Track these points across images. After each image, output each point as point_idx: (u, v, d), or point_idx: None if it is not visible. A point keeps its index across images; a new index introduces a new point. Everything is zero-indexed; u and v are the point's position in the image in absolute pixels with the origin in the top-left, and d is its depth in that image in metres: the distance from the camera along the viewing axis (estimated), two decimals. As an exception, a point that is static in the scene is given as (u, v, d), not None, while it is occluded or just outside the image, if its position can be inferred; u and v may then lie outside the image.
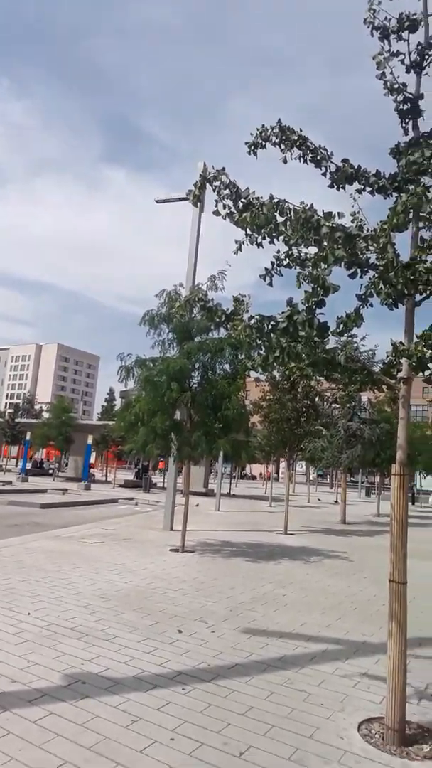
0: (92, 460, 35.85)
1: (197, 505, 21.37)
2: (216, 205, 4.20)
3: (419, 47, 3.89)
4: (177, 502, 13.94)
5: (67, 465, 40.80)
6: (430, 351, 3.68)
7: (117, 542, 10.94)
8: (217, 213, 4.21)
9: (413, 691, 4.48)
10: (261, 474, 62.15)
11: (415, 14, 3.87)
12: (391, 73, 3.90)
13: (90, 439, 30.89)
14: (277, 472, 49.99)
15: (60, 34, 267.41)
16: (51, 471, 38.15)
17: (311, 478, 45.03)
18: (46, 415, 41.83)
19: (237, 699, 4.14)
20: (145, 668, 4.56)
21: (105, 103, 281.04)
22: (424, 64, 3.90)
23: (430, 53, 3.87)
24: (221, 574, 8.72)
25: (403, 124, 3.95)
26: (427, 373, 3.97)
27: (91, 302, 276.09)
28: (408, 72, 3.94)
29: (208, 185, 4.23)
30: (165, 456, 13.60)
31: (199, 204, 4.65)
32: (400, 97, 3.90)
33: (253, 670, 4.74)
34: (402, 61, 3.94)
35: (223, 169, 4.14)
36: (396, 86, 3.89)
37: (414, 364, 3.72)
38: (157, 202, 16.72)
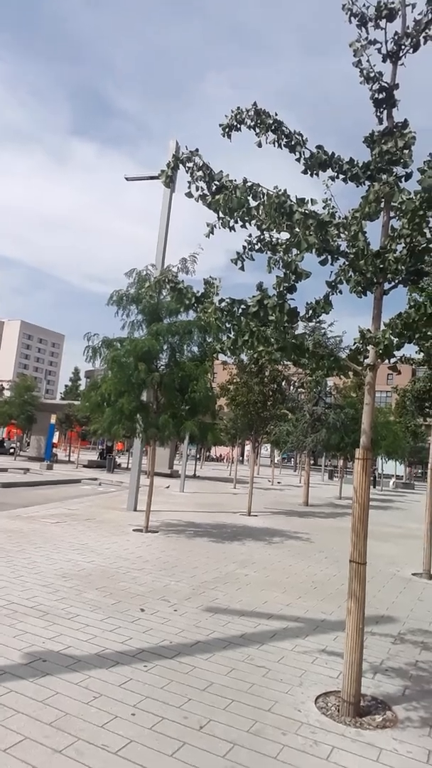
0: (55, 439, 35.41)
1: (168, 487, 21.44)
2: (189, 187, 4.15)
3: (396, 37, 3.90)
4: (141, 482, 13.96)
5: (29, 444, 40.20)
6: (396, 339, 3.76)
7: (80, 522, 10.91)
8: (189, 195, 4.16)
9: (368, 666, 4.65)
10: (222, 456, 62.65)
11: (392, 3, 3.87)
12: (368, 61, 3.91)
13: (53, 419, 30.50)
14: (242, 455, 50.49)
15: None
16: (12, 450, 37.58)
17: (276, 461, 45.64)
18: (7, 393, 40.95)
19: (198, 675, 4.23)
20: (107, 646, 4.60)
21: (75, 73, 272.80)
22: (401, 54, 3.91)
23: (406, 43, 3.88)
24: (184, 554, 8.81)
25: (378, 113, 3.97)
26: (392, 360, 4.06)
27: (57, 279, 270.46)
28: (384, 61, 3.95)
29: (180, 166, 4.18)
30: (131, 437, 13.55)
31: (171, 184, 4.59)
32: (375, 86, 3.91)
33: (214, 648, 4.83)
34: (379, 50, 3.94)
35: (197, 150, 4.08)
36: (372, 75, 3.90)
37: (380, 351, 3.80)
38: (127, 179, 16.41)
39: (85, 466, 31.64)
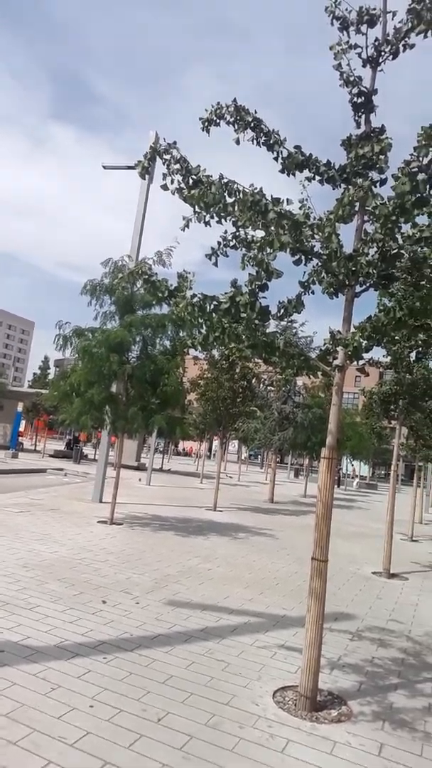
0: (22, 428, 34.85)
1: (140, 480, 21.34)
2: (164, 179, 4.14)
3: (376, 43, 3.94)
4: (108, 474, 13.87)
5: (-6, 432, 39.54)
6: (365, 342, 3.82)
7: (44, 512, 10.79)
8: (165, 188, 4.14)
9: (326, 661, 4.74)
10: (188, 450, 62.70)
11: (374, 9, 3.91)
12: (348, 64, 3.95)
13: (20, 407, 29.99)
14: (210, 450, 50.59)
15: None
16: (-23, 438, 36.85)
17: (243, 458, 45.87)
18: (-26, 379, 40.16)
19: (158, 668, 4.24)
20: (67, 637, 4.57)
21: (56, 56, 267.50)
22: (380, 60, 3.96)
23: (386, 50, 3.93)
24: (148, 547, 8.80)
25: (356, 117, 4.01)
26: (360, 362, 4.13)
27: (29, 266, 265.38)
28: (364, 66, 4.00)
29: (158, 158, 4.15)
30: (99, 428, 13.43)
31: (147, 176, 4.56)
32: (354, 90, 3.96)
33: (175, 641, 4.85)
34: (359, 55, 3.98)
35: (174, 142, 4.07)
36: (351, 78, 3.94)
37: (349, 353, 3.86)
38: (104, 167, 16.22)
39: (51, 456, 31.21)
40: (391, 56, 3.95)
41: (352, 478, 45.32)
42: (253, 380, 16.65)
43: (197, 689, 3.98)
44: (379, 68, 3.99)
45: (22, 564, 6.66)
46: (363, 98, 3.97)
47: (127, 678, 4.00)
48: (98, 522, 10.43)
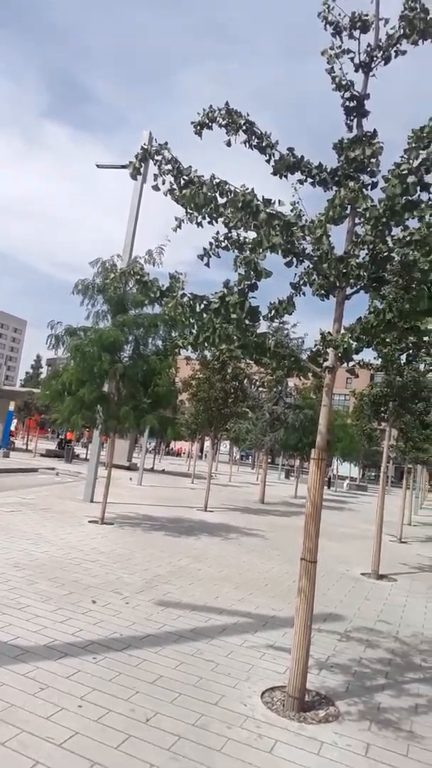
0: (13, 427, 34.69)
1: (131, 479, 21.33)
2: (155, 180, 4.14)
3: (369, 48, 3.97)
4: (99, 474, 13.84)
5: (-15, 431, 39.31)
6: (355, 343, 3.85)
7: (35, 512, 10.75)
8: (156, 188, 4.15)
9: (314, 662, 4.76)
10: (178, 451, 62.72)
11: (367, 15, 3.94)
12: (341, 69, 3.97)
13: (12, 406, 29.86)
14: (201, 450, 50.59)
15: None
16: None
17: (234, 458, 45.89)
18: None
19: (147, 668, 4.25)
20: (56, 637, 4.57)
21: (52, 55, 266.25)
22: (372, 65, 3.99)
23: (378, 55, 3.96)
24: (139, 546, 8.79)
25: (348, 121, 4.04)
26: (351, 363, 4.15)
27: (22, 265, 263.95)
28: (357, 71, 4.02)
29: (149, 158, 4.16)
30: (90, 427, 13.39)
31: (140, 176, 4.56)
32: (347, 94, 3.98)
33: (164, 641, 4.86)
34: (352, 59, 4.01)
35: (166, 143, 4.07)
36: (344, 83, 3.96)
37: (340, 354, 3.88)
38: (98, 167, 16.19)
39: (42, 455, 31.08)
40: (383, 62, 3.99)
41: (339, 478, 45.41)
42: (245, 381, 16.67)
43: (186, 689, 3.99)
44: (371, 73, 4.02)
45: (12, 564, 6.64)
46: (355, 102, 4.00)
47: (116, 678, 4.00)
48: (89, 522, 10.41)
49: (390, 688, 4.57)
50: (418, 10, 3.74)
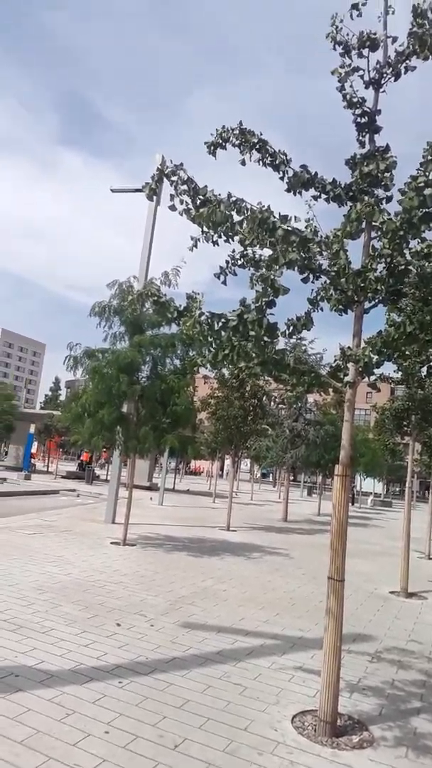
0: (34, 449, 34.97)
1: (151, 499, 21.31)
2: (172, 200, 4.19)
3: (378, 65, 4.00)
4: (120, 495, 13.83)
5: (7, 454, 39.61)
6: (376, 357, 3.81)
7: (56, 534, 10.76)
8: (173, 208, 4.19)
9: (345, 684, 4.64)
10: (197, 470, 62.61)
11: (374, 34, 3.98)
12: (351, 86, 4.00)
13: (32, 428, 30.13)
14: (222, 469, 50.37)
15: (16, 3, 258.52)
16: (-10, 460, 36.94)
17: (255, 476, 45.58)
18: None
19: (174, 692, 4.18)
20: (81, 661, 4.53)
21: (64, 82, 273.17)
22: (383, 82, 4.02)
23: (388, 72, 3.99)
24: (162, 568, 8.73)
25: (361, 137, 4.06)
26: (372, 378, 4.11)
27: (41, 288, 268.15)
28: (367, 88, 4.05)
29: (165, 179, 4.21)
30: (110, 449, 13.44)
31: (155, 197, 4.62)
32: (358, 111, 4.01)
33: (191, 664, 4.78)
34: (362, 77, 4.05)
35: (181, 164, 4.12)
36: (355, 100, 3.99)
37: (360, 368, 3.85)
38: (112, 191, 16.46)
39: (63, 477, 31.24)
40: (393, 78, 4.01)
41: (363, 494, 44.73)
42: (264, 398, 16.61)
43: (214, 714, 3.91)
44: (381, 89, 4.04)
45: (36, 586, 6.63)
46: (367, 119, 4.02)
47: (142, 703, 3.94)
48: (111, 543, 10.38)
49: (426, 711, 4.42)
50: (427, 26, 3.77)
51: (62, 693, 3.92)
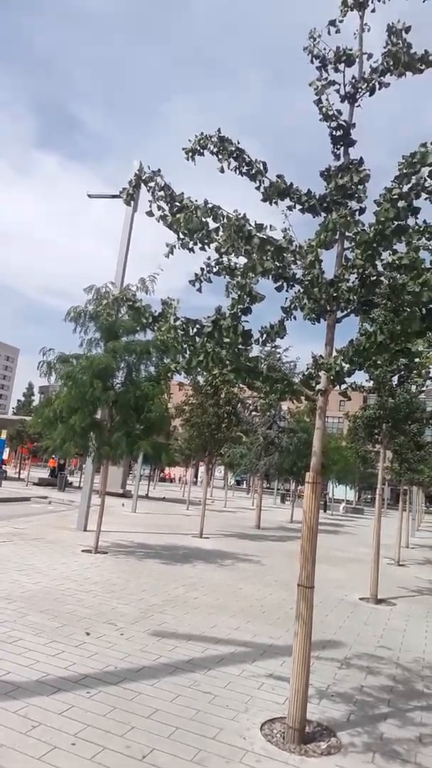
0: (5, 456, 34.37)
1: (123, 505, 21.13)
2: (150, 206, 4.20)
3: (354, 80, 4.09)
4: (93, 502, 13.68)
5: (-23, 460, 38.88)
6: (347, 366, 3.86)
7: (27, 542, 10.58)
8: (150, 214, 4.20)
9: (315, 691, 4.65)
10: (167, 476, 62.33)
11: (350, 50, 4.07)
12: (327, 99, 4.07)
13: (4, 434, 29.64)
14: (196, 476, 50.22)
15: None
16: (-41, 466, 36.16)
17: (229, 484, 45.57)
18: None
19: (143, 702, 4.13)
20: (49, 672, 4.45)
21: (40, 86, 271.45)
22: (358, 96, 4.11)
23: (363, 87, 4.08)
24: (134, 575, 8.65)
25: (336, 150, 4.12)
26: (343, 386, 4.16)
27: (15, 293, 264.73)
28: (342, 101, 4.13)
29: (142, 185, 4.22)
30: (83, 455, 13.29)
31: (132, 203, 4.62)
32: (333, 124, 4.08)
33: (160, 673, 4.74)
34: (337, 91, 4.13)
35: (159, 170, 4.14)
36: (331, 113, 4.06)
37: (332, 377, 3.89)
38: (89, 196, 16.40)
39: (35, 484, 30.75)
40: (368, 93, 4.11)
41: (335, 501, 45.09)
42: (238, 405, 16.65)
43: (183, 723, 3.88)
44: (356, 104, 4.13)
45: (3, 596, 6.50)
46: (342, 132, 4.09)
47: (110, 713, 3.89)
48: (83, 551, 10.25)
49: (393, 717, 4.46)
50: (401, 45, 3.87)
51: (28, 705, 3.85)
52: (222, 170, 4.16)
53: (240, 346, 3.94)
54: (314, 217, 4.09)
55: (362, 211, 3.90)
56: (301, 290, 4.06)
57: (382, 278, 3.77)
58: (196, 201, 4.03)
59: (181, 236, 4.10)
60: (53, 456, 30.10)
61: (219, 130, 4.11)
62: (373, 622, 7.66)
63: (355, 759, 3.67)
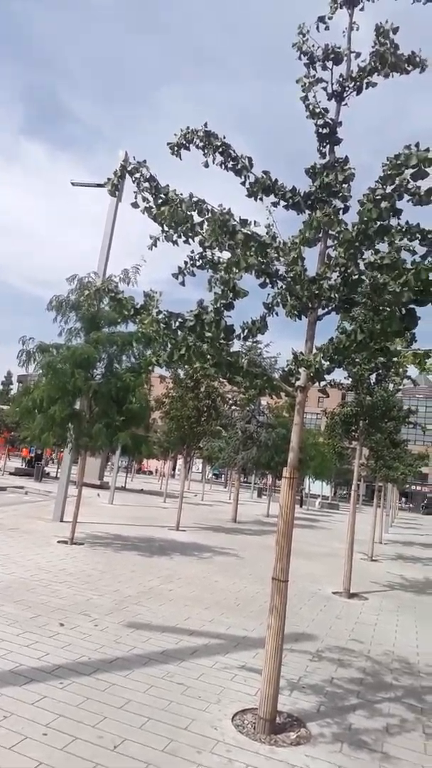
0: (-19, 445, 33.95)
1: (98, 495, 21.05)
2: (135, 197, 4.17)
3: (341, 78, 4.11)
4: (70, 493, 13.61)
5: None
6: (327, 363, 3.90)
7: (2, 531, 10.49)
8: (135, 205, 4.18)
9: (286, 683, 4.72)
10: (147, 468, 62.20)
11: (339, 48, 4.08)
12: (314, 97, 4.09)
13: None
14: (174, 469, 50.23)
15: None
16: None
17: (207, 477, 45.67)
18: None
19: (115, 693, 4.15)
20: (22, 662, 4.44)
21: (30, 72, 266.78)
22: (345, 95, 4.13)
23: (350, 86, 4.10)
24: (110, 567, 8.64)
25: (321, 147, 4.14)
26: (322, 383, 4.20)
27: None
28: (330, 100, 4.15)
29: (127, 176, 4.19)
30: (61, 445, 13.19)
31: (117, 194, 4.59)
32: (320, 122, 4.09)
33: (134, 664, 4.76)
34: (325, 89, 4.14)
35: (144, 161, 4.11)
36: (317, 111, 4.08)
37: (311, 374, 3.93)
38: (73, 184, 16.21)
39: (11, 474, 30.46)
40: (355, 92, 4.13)
41: (311, 497, 45.51)
42: (218, 399, 16.68)
43: (155, 714, 3.91)
44: (343, 102, 4.15)
45: (-24, 585, 6.45)
46: (328, 129, 4.11)
47: (83, 703, 3.90)
48: (58, 542, 10.20)
49: (362, 708, 4.55)
50: (389, 45, 3.90)
51: (0, 695, 3.84)
52: (206, 165, 4.15)
53: (222, 341, 3.95)
54: (298, 214, 4.11)
55: (346, 209, 3.93)
56: (284, 287, 4.08)
57: (363, 277, 3.81)
58: (181, 194, 4.02)
59: (166, 229, 4.09)
60: (27, 446, 29.83)
61: (205, 125, 4.10)
62: (345, 616, 7.78)
63: (323, 749, 3.74)
